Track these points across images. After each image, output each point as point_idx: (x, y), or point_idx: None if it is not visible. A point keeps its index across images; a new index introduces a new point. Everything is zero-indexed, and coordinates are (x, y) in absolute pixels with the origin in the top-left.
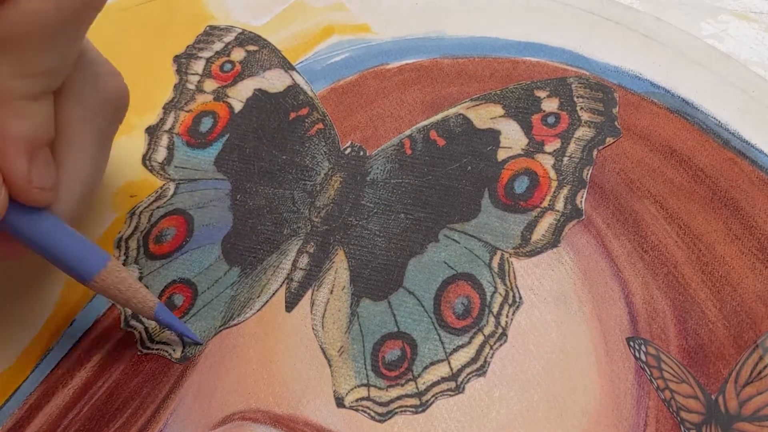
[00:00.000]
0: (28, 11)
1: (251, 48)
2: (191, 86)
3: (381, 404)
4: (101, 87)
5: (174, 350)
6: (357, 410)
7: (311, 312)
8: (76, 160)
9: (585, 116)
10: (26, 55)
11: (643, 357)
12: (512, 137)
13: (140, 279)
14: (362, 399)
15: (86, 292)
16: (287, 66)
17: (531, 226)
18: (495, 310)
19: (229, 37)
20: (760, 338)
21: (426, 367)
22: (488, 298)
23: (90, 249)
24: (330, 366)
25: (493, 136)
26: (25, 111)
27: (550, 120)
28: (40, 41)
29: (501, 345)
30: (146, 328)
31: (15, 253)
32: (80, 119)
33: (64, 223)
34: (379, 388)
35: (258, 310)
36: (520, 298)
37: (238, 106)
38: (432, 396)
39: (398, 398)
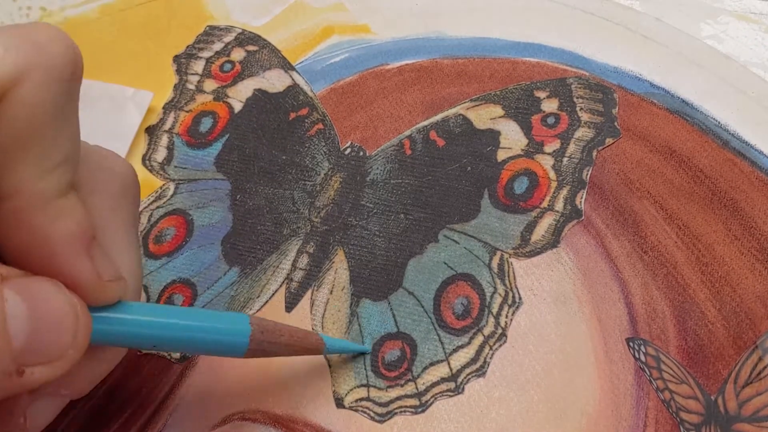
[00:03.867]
0: (25, 103)
1: (251, 48)
2: (191, 86)
3: (380, 405)
4: (114, 173)
5: None
6: (356, 411)
7: (311, 312)
8: (121, 251)
9: (585, 117)
10: (42, 149)
11: (642, 357)
12: (512, 138)
13: None
14: (362, 399)
15: None
16: (287, 66)
17: (530, 227)
18: (495, 310)
19: (229, 37)
20: (760, 339)
21: (426, 368)
22: (488, 299)
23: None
24: (329, 366)
25: (492, 137)
26: (62, 209)
27: (550, 120)
28: (47, 130)
29: (501, 345)
30: None
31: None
32: (108, 209)
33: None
34: (379, 389)
35: (258, 310)
36: (520, 298)
37: (237, 106)
38: (432, 396)
39: (398, 399)
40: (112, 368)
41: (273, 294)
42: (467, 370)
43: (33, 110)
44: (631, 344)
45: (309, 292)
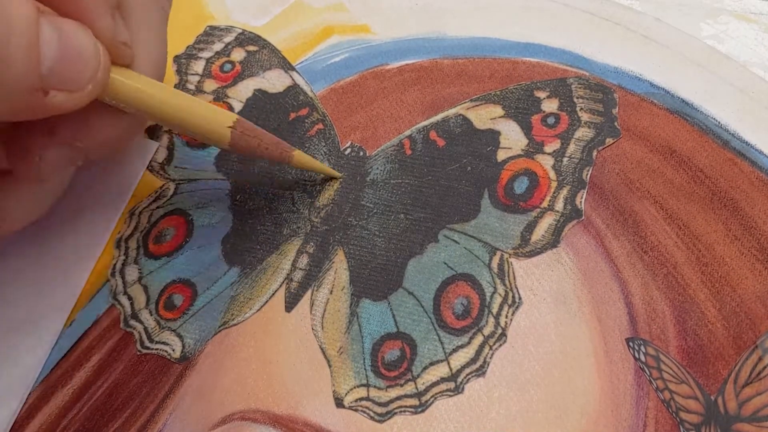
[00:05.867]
0: None
1: (251, 48)
2: (191, 86)
3: (380, 404)
4: None
5: (173, 350)
6: (356, 410)
7: (311, 312)
8: (147, 31)
9: (585, 117)
10: None
11: (642, 357)
12: (512, 138)
13: (140, 279)
14: (361, 399)
15: (85, 292)
16: (287, 66)
17: (530, 227)
18: (494, 310)
19: (229, 38)
20: (760, 339)
21: (425, 368)
22: (488, 299)
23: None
24: (329, 366)
25: (492, 137)
26: None
27: (550, 120)
28: None
29: (500, 345)
30: (145, 328)
31: (111, 142)
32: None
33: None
34: (379, 389)
35: (257, 310)
36: (520, 298)
37: (238, 107)
38: (431, 396)
39: (398, 398)
40: (124, 140)
41: (273, 294)
42: (467, 370)
43: None
44: (631, 344)
45: (309, 292)
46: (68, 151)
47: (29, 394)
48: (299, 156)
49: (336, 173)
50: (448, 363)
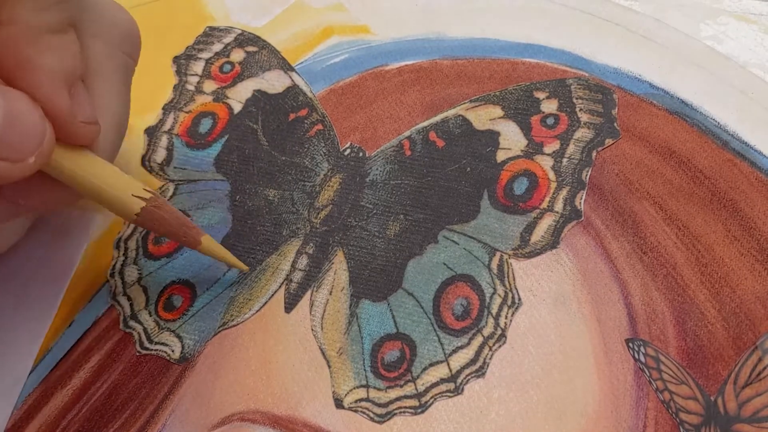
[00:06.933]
0: None
1: (251, 49)
2: (191, 87)
3: (380, 405)
4: (116, 22)
5: (173, 351)
6: (356, 411)
7: (310, 313)
8: (108, 97)
9: (584, 117)
10: None
11: (642, 358)
12: (511, 138)
13: (139, 279)
14: (361, 400)
15: (85, 293)
16: (286, 67)
17: (530, 228)
18: (494, 311)
19: (229, 38)
20: (760, 339)
21: (425, 368)
22: (487, 300)
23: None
24: (329, 367)
25: (492, 138)
26: (53, 44)
27: (550, 121)
28: None
29: (500, 346)
30: (145, 329)
31: (56, 203)
32: (105, 54)
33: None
34: (378, 389)
35: (257, 311)
36: (519, 299)
37: (237, 107)
38: (431, 397)
39: (397, 399)
40: (67, 202)
41: (272, 295)
42: (467, 371)
43: None
44: (630, 345)
45: (308, 293)
46: (12, 207)
47: (28, 394)
48: (207, 242)
49: (243, 266)
50: (448, 364)
